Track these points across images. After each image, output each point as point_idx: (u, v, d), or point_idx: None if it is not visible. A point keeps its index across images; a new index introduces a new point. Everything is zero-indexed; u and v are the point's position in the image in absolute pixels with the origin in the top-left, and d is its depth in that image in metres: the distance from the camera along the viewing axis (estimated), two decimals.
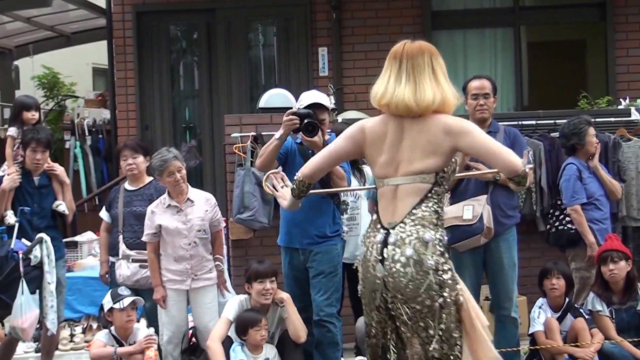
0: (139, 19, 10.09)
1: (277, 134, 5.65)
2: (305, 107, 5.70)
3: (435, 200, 3.80)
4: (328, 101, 5.95)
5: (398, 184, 3.82)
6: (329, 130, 6.04)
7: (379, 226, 3.84)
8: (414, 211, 3.77)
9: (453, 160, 3.86)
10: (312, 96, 5.83)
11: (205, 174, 10.13)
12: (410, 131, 3.83)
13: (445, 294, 3.69)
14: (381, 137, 3.90)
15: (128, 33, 10.05)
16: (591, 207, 6.58)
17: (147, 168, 6.58)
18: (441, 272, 3.69)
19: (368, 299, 3.90)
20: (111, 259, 6.58)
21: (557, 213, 6.84)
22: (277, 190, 4.30)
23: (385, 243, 3.76)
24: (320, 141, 5.56)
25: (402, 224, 3.76)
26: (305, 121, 5.55)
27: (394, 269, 3.72)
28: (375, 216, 3.91)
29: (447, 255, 3.75)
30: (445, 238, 3.78)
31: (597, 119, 7.34)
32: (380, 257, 3.77)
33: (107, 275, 6.65)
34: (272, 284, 5.89)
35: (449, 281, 3.71)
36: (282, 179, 4.32)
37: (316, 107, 5.71)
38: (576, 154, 6.72)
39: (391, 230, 3.77)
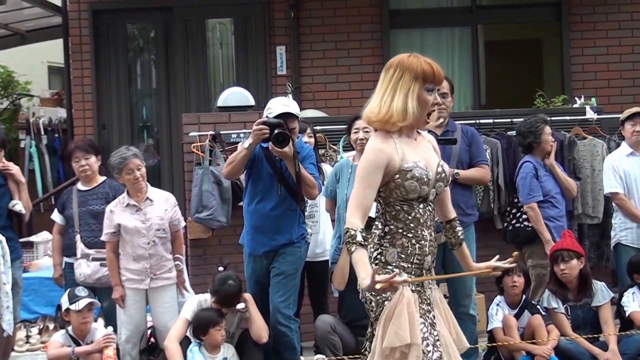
0: (95, 17, 9.99)
1: (246, 143, 5.58)
2: (275, 117, 5.60)
3: (382, 219, 3.78)
4: (297, 108, 5.86)
5: None
6: None
7: None
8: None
9: (394, 181, 3.69)
10: (282, 105, 5.71)
11: (163, 173, 10.07)
12: None
13: (373, 309, 3.71)
14: None
15: (84, 31, 9.94)
16: (547, 204, 6.66)
17: (99, 167, 6.55)
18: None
19: None
20: (67, 259, 6.52)
21: (514, 211, 6.90)
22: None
23: None
24: (290, 152, 5.50)
25: None
26: (276, 132, 5.44)
27: None
28: None
29: (382, 271, 3.65)
30: (391, 256, 3.71)
31: (552, 118, 7.44)
32: None
33: (61, 278, 6.58)
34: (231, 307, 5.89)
35: (377, 297, 3.67)
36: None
37: (286, 115, 5.61)
38: (533, 152, 6.79)
39: None
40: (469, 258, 4.07)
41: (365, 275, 3.44)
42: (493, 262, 3.91)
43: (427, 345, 3.63)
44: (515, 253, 3.97)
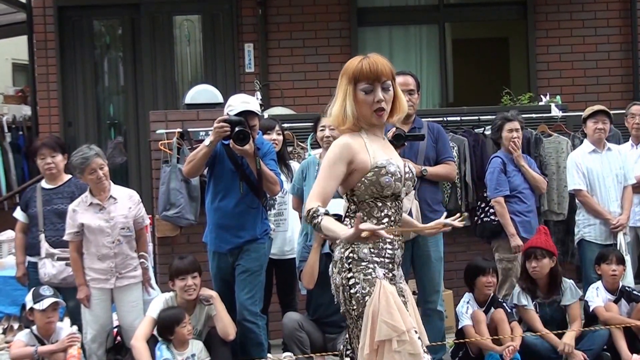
0: (60, 13, 9.92)
1: (207, 141, 5.58)
2: (236, 114, 5.60)
3: (353, 217, 3.75)
4: (258, 106, 5.89)
5: None
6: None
7: None
8: None
9: (364, 179, 3.73)
10: (242, 102, 5.72)
11: (131, 170, 10.01)
12: None
13: (354, 307, 3.74)
14: None
15: (49, 28, 9.86)
16: (515, 199, 6.71)
17: (65, 166, 6.47)
18: (348, 288, 3.74)
19: None
20: (31, 259, 6.44)
21: (482, 205, 6.96)
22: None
23: None
24: (251, 149, 5.52)
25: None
26: (237, 129, 5.46)
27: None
28: None
29: (356, 269, 3.73)
30: (363, 252, 3.74)
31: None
32: None
33: (24, 276, 6.50)
34: (195, 279, 5.84)
35: (356, 295, 3.72)
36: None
37: (246, 113, 5.63)
38: (501, 147, 6.86)
39: None
40: (414, 222, 4.30)
41: (342, 229, 3.50)
42: (442, 220, 4.03)
43: (416, 332, 3.72)
44: (465, 213, 4.18)
